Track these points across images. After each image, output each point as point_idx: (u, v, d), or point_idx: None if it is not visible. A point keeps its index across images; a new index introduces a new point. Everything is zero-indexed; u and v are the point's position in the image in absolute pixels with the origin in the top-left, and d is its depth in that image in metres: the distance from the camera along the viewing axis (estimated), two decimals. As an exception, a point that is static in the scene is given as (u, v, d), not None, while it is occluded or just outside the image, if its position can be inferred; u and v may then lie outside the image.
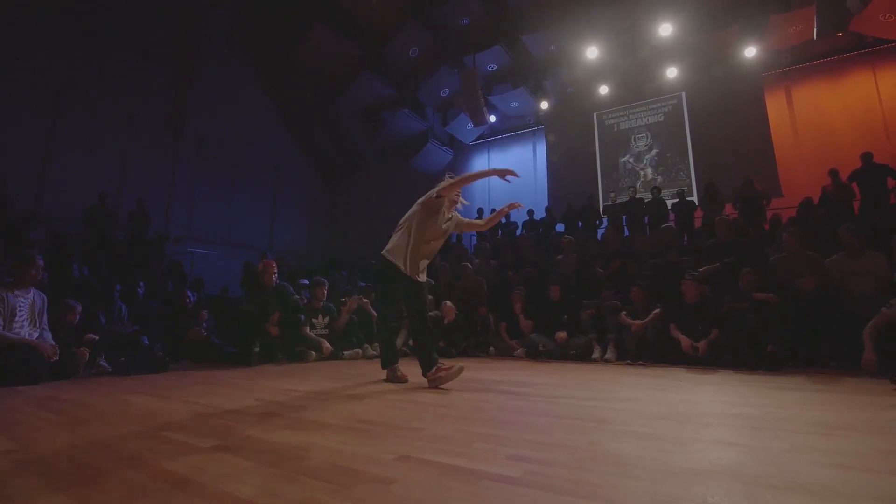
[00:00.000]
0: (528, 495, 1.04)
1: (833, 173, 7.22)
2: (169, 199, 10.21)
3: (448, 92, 11.95)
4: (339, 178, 14.10)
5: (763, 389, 2.69)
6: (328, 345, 4.49)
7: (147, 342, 4.17)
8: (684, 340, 4.01)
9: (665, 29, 9.25)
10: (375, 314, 5.29)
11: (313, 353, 4.38)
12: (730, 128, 9.63)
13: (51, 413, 2.02)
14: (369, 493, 1.05)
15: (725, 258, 4.80)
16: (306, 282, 5.47)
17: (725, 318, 3.96)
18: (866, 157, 6.98)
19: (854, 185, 7.01)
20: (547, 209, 10.10)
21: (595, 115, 11.56)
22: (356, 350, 4.71)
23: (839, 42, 9.05)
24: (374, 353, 4.82)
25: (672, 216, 8.13)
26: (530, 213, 10.13)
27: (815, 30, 7.79)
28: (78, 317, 3.71)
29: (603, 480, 1.14)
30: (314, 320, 4.79)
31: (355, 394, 2.50)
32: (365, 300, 5.24)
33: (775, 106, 9.72)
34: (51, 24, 8.57)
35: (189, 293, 5.19)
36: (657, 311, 4.38)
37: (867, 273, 3.93)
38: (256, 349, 4.16)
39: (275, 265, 4.75)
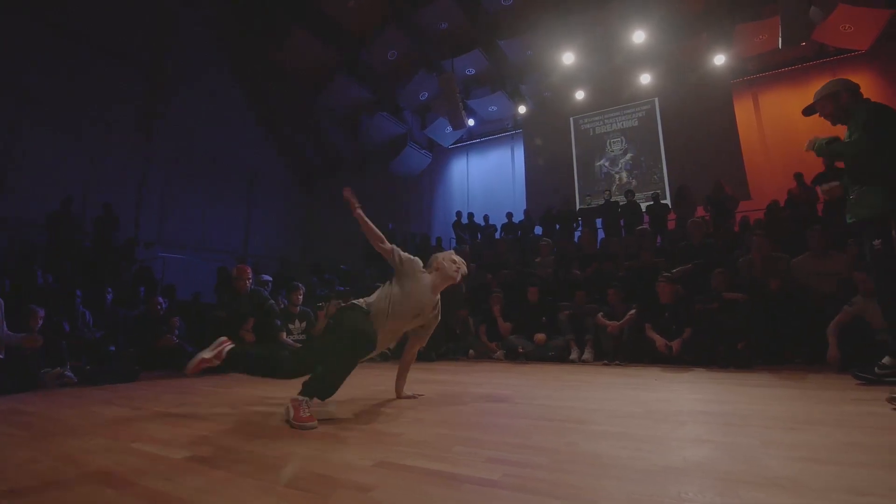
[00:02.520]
0: (508, 498, 1.04)
1: (798, 177, 7.52)
2: (139, 203, 9.90)
3: (426, 95, 11.96)
4: (318, 182, 13.94)
5: (734, 386, 2.77)
6: (306, 351, 4.43)
7: (114, 350, 4.02)
8: (659, 340, 4.10)
9: (638, 36, 9.48)
10: (354, 318, 5.24)
11: (291, 359, 4.31)
12: (701, 133, 9.92)
13: (14, 427, 1.93)
14: (348, 500, 1.03)
15: (697, 259, 4.93)
16: (268, 277, 5.36)
17: (698, 318, 4.06)
18: (828, 162, 7.27)
19: (818, 188, 7.29)
20: (525, 212, 10.21)
21: (572, 119, 11.75)
22: (335, 355, 4.66)
23: (803, 51, 9.45)
24: (354, 358, 4.79)
25: (646, 218, 8.32)
26: (509, 215, 10.21)
27: (780, 39, 8.10)
28: (41, 322, 3.57)
29: (581, 481, 1.15)
30: (291, 326, 4.71)
31: (333, 399, 2.46)
32: (343, 305, 5.18)
33: (743, 112, 10.06)
34: (15, 22, 8.23)
35: (160, 299, 5.03)
36: (632, 311, 4.47)
37: (831, 273, 4.10)
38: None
39: (249, 270, 4.65)
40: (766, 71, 10.07)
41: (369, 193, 12.98)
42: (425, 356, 4.95)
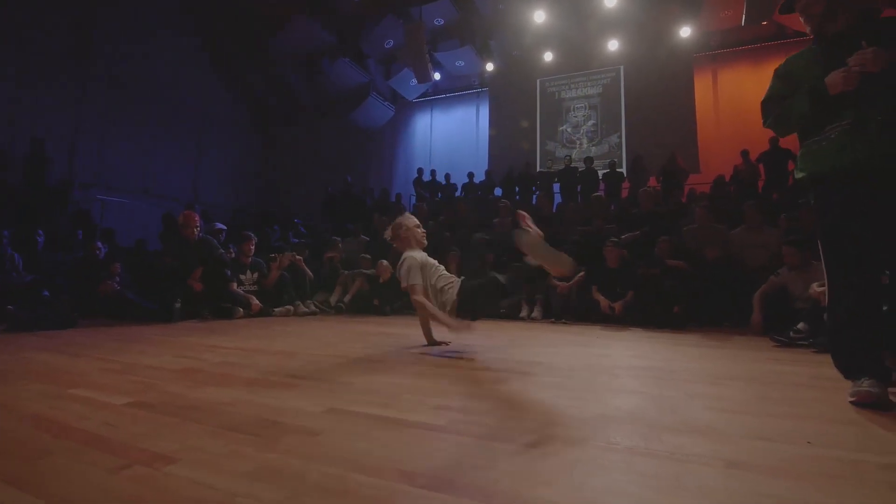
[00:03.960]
0: (450, 440, 1.10)
1: (744, 154, 7.90)
2: (74, 141, 9.04)
3: (392, 44, 11.40)
4: (274, 128, 13.23)
5: (667, 345, 2.99)
6: (257, 301, 4.34)
7: (48, 295, 3.78)
8: (603, 301, 4.34)
9: (610, 1, 9.37)
10: (309, 272, 5.17)
11: (241, 309, 4.22)
12: (660, 104, 10.13)
13: (-70, 372, 1.81)
14: (295, 444, 1.06)
15: (645, 227, 5.16)
16: (222, 226, 5.15)
17: (640, 282, 4.31)
18: (773, 141, 7.67)
19: (761, 165, 7.73)
20: (487, 172, 10.20)
21: (538, 81, 11.64)
22: (287, 307, 4.60)
23: (763, 31, 9.69)
24: (307, 310, 4.75)
25: (602, 186, 8.54)
26: (470, 175, 10.18)
27: (743, 16, 8.25)
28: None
29: (521, 425, 1.23)
30: (242, 276, 4.59)
31: (285, 350, 2.46)
32: (298, 257, 5.08)
33: (702, 87, 10.32)
34: None
35: (99, 244, 4.74)
36: (581, 273, 4.67)
37: (763, 245, 4.42)
38: (178, 305, 3.93)
39: (197, 217, 4.44)
40: (727, 47, 10.29)
41: (328, 143, 12.53)
42: (380, 310, 4.99)
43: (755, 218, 4.57)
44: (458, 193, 10.14)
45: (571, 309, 4.60)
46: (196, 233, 4.37)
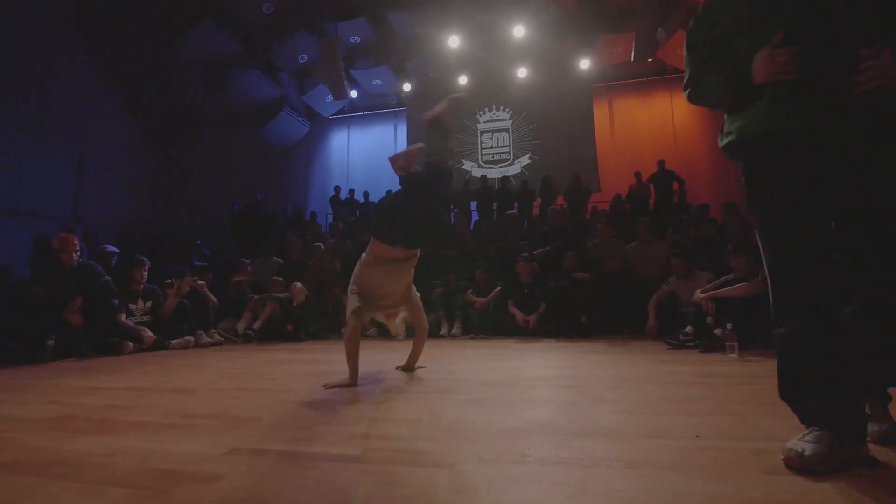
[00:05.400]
0: (368, 471, 1.06)
1: (637, 175, 8.80)
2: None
3: (306, 59, 11.12)
4: (173, 141, 12.17)
5: (575, 353, 3.18)
6: (150, 333, 3.88)
7: None
8: (518, 315, 4.52)
9: (518, 31, 10.02)
10: (213, 298, 4.77)
11: (130, 343, 3.75)
12: (565, 129, 10.97)
13: None
14: (191, 494, 0.95)
15: (555, 242, 5.49)
16: (114, 249, 4.60)
17: (551, 295, 4.55)
18: (660, 163, 8.66)
19: (651, 185, 8.65)
20: (405, 191, 10.25)
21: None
22: (187, 338, 4.16)
23: (650, 67, 10.93)
24: (210, 340, 4.34)
25: (516, 204, 8.97)
26: (389, 193, 10.15)
27: (633, 52, 9.27)
28: None
29: (440, 447, 1.22)
30: (132, 306, 4.09)
31: (182, 386, 2.23)
32: (200, 282, 4.66)
33: (600, 114, 11.35)
34: None
35: (-56, 273, 3.98)
36: (497, 289, 4.83)
37: (654, 258, 4.90)
38: (51, 342, 3.40)
39: (76, 240, 3.91)
40: (620, 80, 11.44)
41: (236, 158, 11.81)
42: (295, 336, 4.74)
43: (647, 233, 5.07)
44: (376, 212, 10.05)
45: (489, 324, 4.72)
46: (75, 257, 3.83)
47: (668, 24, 9.15)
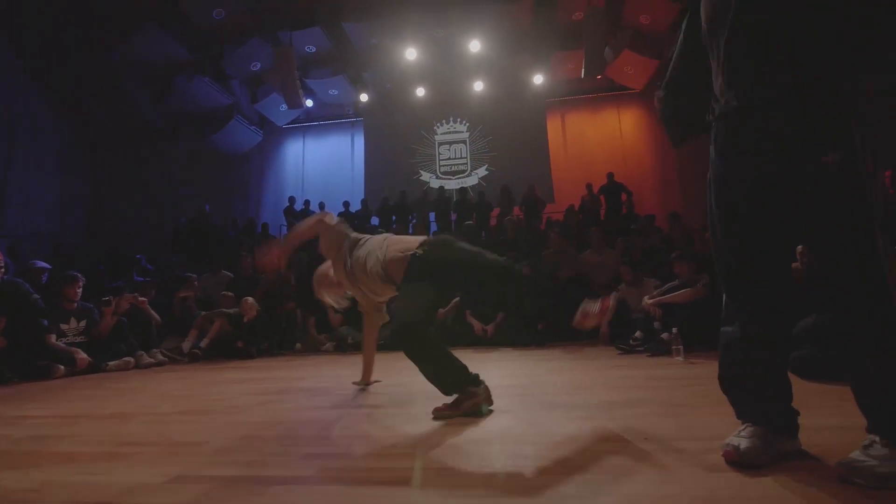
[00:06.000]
0: (320, 492, 1.02)
1: (588, 186, 9.15)
2: None
3: (259, 66, 10.83)
4: (111, 148, 11.48)
5: (532, 362, 3.23)
6: (84, 355, 3.59)
7: None
8: (476, 325, 4.56)
9: (475, 45, 10.23)
10: (156, 315, 4.50)
11: (62, 367, 3.46)
12: (520, 141, 11.26)
13: None
14: (125, 528, 0.88)
15: (511, 252, 5.59)
16: (45, 265, 4.24)
17: (507, 304, 4.62)
18: (610, 176, 9.06)
19: (602, 196, 9.01)
20: (363, 202, 10.14)
21: (412, 113, 12.06)
22: (127, 359, 3.88)
23: (599, 83, 11.43)
24: (152, 360, 4.07)
25: (474, 215, 9.08)
26: (346, 204, 10.02)
27: (583, 69, 9.69)
28: None
29: (396, 463, 1.20)
30: (63, 326, 3.78)
31: (120, 412, 2.08)
32: (141, 299, 4.37)
33: (554, 127, 11.73)
34: None
35: None
36: (456, 299, 4.85)
37: (605, 265, 5.09)
38: (-32, 368, 3.08)
39: (0, 256, 3.59)
40: (572, 95, 11.90)
41: (182, 168, 11.31)
42: (245, 353, 4.54)
43: (598, 242, 5.26)
44: (333, 223, 9.86)
45: (447, 334, 4.72)
46: (-2, 274, 3.52)
47: (615, 44, 9.65)
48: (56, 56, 9.76)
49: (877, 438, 0.95)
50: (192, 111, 10.85)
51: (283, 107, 11.16)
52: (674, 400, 1.83)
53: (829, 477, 0.95)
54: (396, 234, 2.41)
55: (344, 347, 4.77)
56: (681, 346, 2.95)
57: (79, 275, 4.00)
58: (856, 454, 0.94)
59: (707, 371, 2.49)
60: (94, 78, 10.29)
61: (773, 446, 1.06)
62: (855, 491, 0.89)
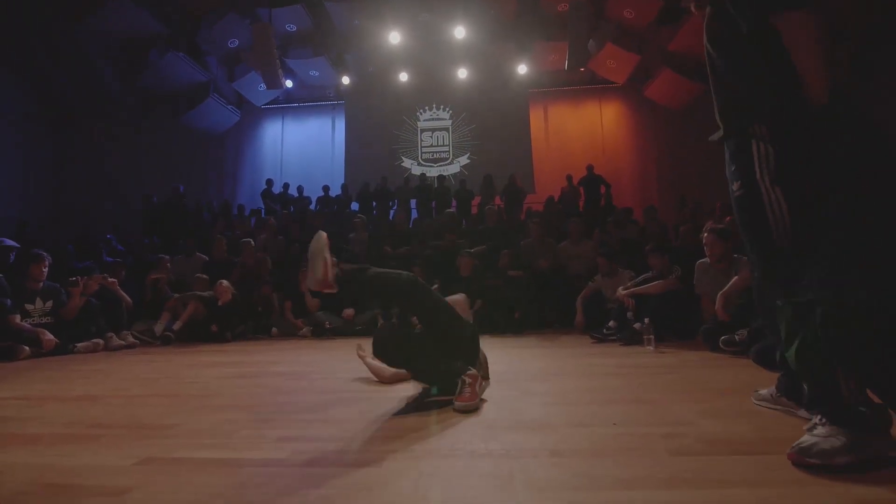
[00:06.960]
0: (293, 474, 1.02)
1: (568, 178, 9.24)
2: None
3: (237, 43, 10.47)
4: (78, 125, 11.01)
5: (508, 349, 3.28)
6: (51, 336, 3.48)
7: None
8: (455, 313, 4.58)
9: (459, 32, 10.11)
10: (126, 297, 4.38)
11: (26, 347, 3.34)
12: (502, 131, 11.25)
13: None
14: (92, 509, 0.87)
15: (491, 241, 5.63)
16: (12, 243, 4.05)
17: (487, 292, 4.67)
18: (589, 168, 9.15)
19: (581, 188, 9.11)
20: (343, 186, 10.01)
21: (395, 98, 11.90)
22: (96, 341, 3.78)
23: (581, 76, 11.47)
24: (122, 342, 3.98)
25: (454, 203, 9.07)
26: (325, 189, 9.87)
27: (566, 61, 9.70)
28: None
29: (369, 447, 1.21)
30: (28, 306, 3.65)
31: (87, 394, 2.03)
32: (111, 279, 4.25)
33: (536, 118, 11.76)
34: None
35: None
36: (436, 286, 4.86)
37: (582, 256, 5.17)
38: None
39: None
40: (554, 86, 11.92)
41: (155, 146, 10.94)
42: (220, 337, 4.47)
43: (576, 232, 5.33)
44: (312, 207, 9.72)
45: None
46: (-45, 252, 3.36)
47: (598, 37, 9.67)
48: (18, 26, 9.24)
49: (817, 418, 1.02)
50: (167, 88, 10.46)
51: (262, 87, 10.85)
52: (643, 387, 1.89)
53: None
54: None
55: (321, 332, 4.75)
56: (652, 336, 3.03)
57: (45, 253, 3.86)
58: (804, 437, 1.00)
59: (676, 360, 2.57)
60: (60, 51, 9.80)
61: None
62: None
